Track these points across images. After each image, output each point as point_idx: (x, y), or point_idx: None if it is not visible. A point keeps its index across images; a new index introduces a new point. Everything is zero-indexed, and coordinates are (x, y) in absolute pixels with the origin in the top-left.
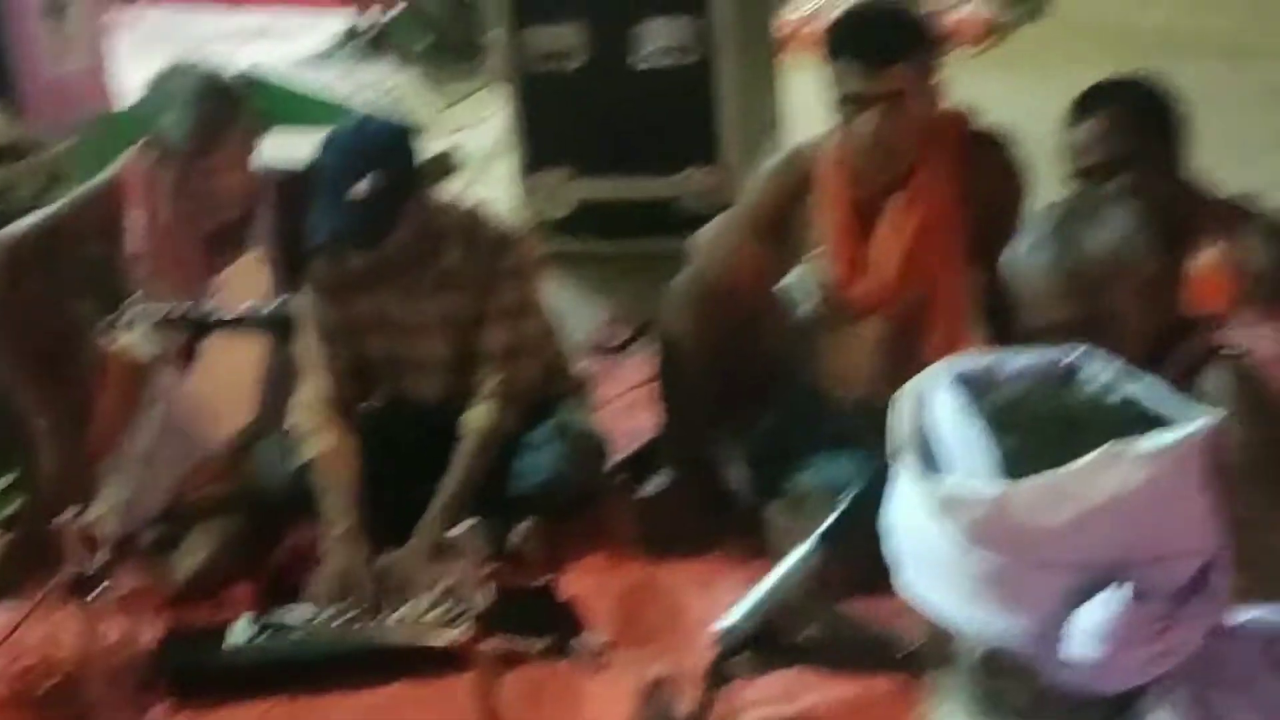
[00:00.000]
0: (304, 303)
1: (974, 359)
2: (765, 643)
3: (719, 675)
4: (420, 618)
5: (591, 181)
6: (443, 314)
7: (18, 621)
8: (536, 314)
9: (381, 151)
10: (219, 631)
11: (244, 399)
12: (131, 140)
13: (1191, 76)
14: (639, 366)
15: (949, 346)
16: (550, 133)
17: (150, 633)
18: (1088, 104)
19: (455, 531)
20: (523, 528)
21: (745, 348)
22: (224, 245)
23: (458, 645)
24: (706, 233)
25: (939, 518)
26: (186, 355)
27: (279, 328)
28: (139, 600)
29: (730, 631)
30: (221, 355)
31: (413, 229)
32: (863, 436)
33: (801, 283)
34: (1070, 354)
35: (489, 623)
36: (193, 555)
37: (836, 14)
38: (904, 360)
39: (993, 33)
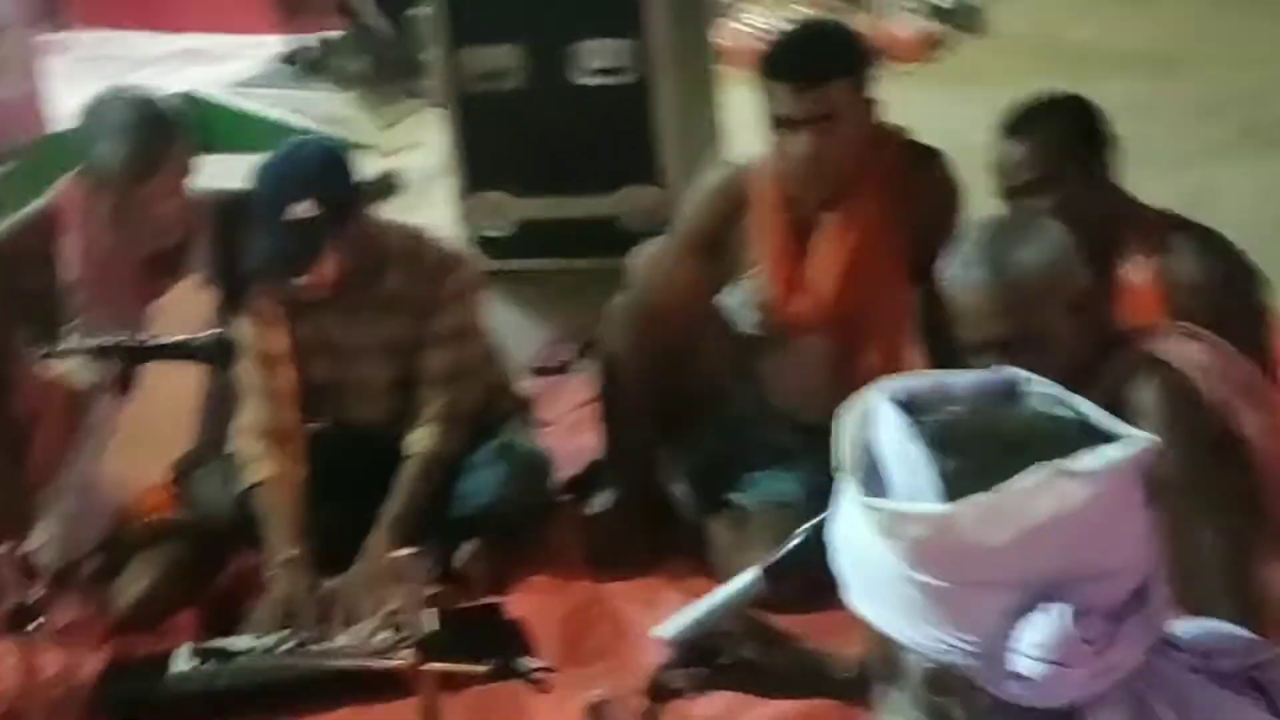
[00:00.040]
0: (244, 328)
1: (915, 379)
2: (702, 660)
3: (661, 688)
4: (365, 642)
5: (532, 201)
6: (384, 337)
7: None
8: (478, 336)
9: (318, 175)
10: (161, 661)
11: (184, 426)
12: (67, 166)
13: (1123, 90)
14: (582, 386)
15: (887, 362)
16: (490, 153)
17: (91, 664)
18: (1018, 123)
19: (399, 555)
20: (467, 549)
21: (685, 366)
22: (161, 271)
23: (403, 669)
24: (645, 253)
25: (882, 538)
26: (124, 383)
27: (217, 355)
28: (79, 631)
29: (669, 641)
30: (160, 382)
31: (352, 252)
32: (804, 452)
33: (740, 301)
34: (1010, 373)
35: (434, 646)
36: (134, 584)
37: (771, 36)
38: (843, 376)
39: (929, 49)
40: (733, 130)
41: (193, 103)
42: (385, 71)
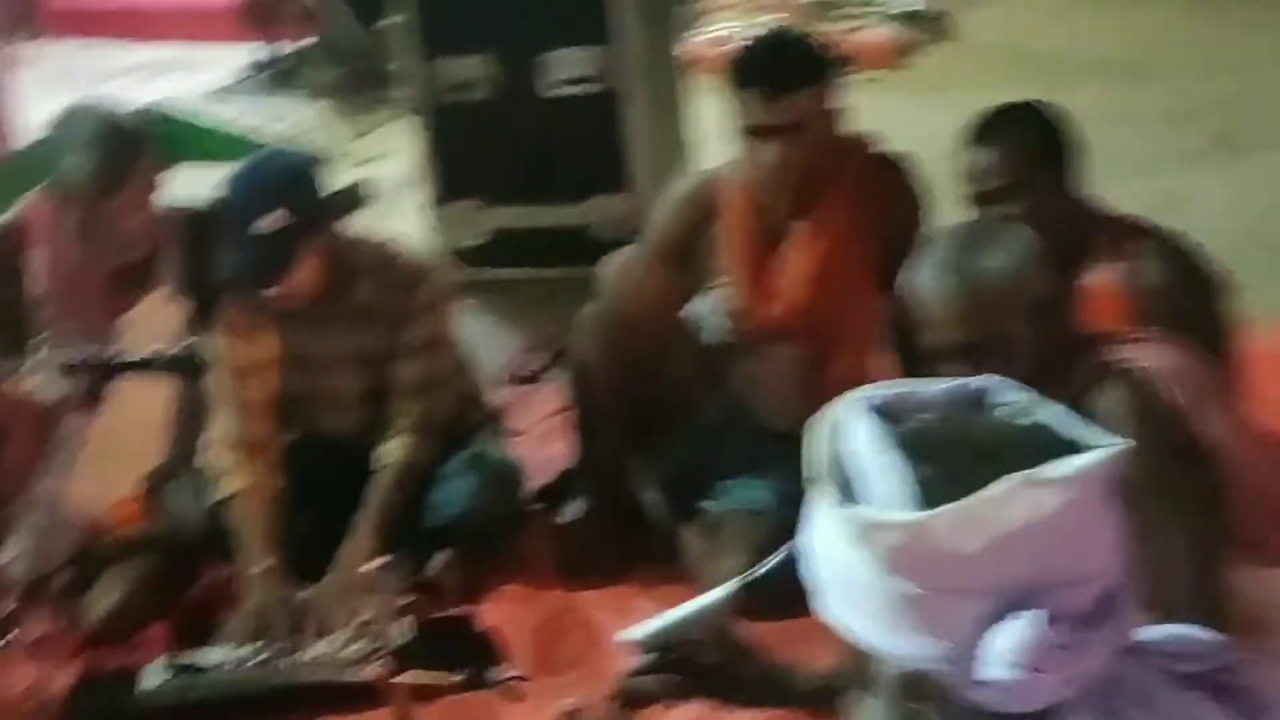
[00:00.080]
0: (214, 340)
1: (888, 388)
2: (671, 666)
3: (630, 693)
4: (338, 654)
5: (502, 210)
6: (355, 348)
7: None
8: (449, 346)
9: (288, 185)
10: (133, 675)
11: (154, 439)
12: (34, 181)
13: (1094, 97)
14: (553, 395)
15: (856, 369)
16: (461, 163)
17: (63, 678)
18: (983, 131)
19: (371, 566)
20: (439, 560)
21: (656, 374)
22: (130, 285)
23: (376, 680)
24: (615, 261)
25: (857, 545)
26: (94, 397)
27: (187, 368)
28: (51, 645)
29: (638, 644)
30: (130, 396)
31: (322, 263)
32: (775, 460)
33: (710, 309)
34: (981, 381)
35: (407, 656)
36: (105, 598)
37: (737, 46)
38: (813, 384)
39: (898, 56)
40: (702, 139)
41: (161, 115)
42: (356, 81)
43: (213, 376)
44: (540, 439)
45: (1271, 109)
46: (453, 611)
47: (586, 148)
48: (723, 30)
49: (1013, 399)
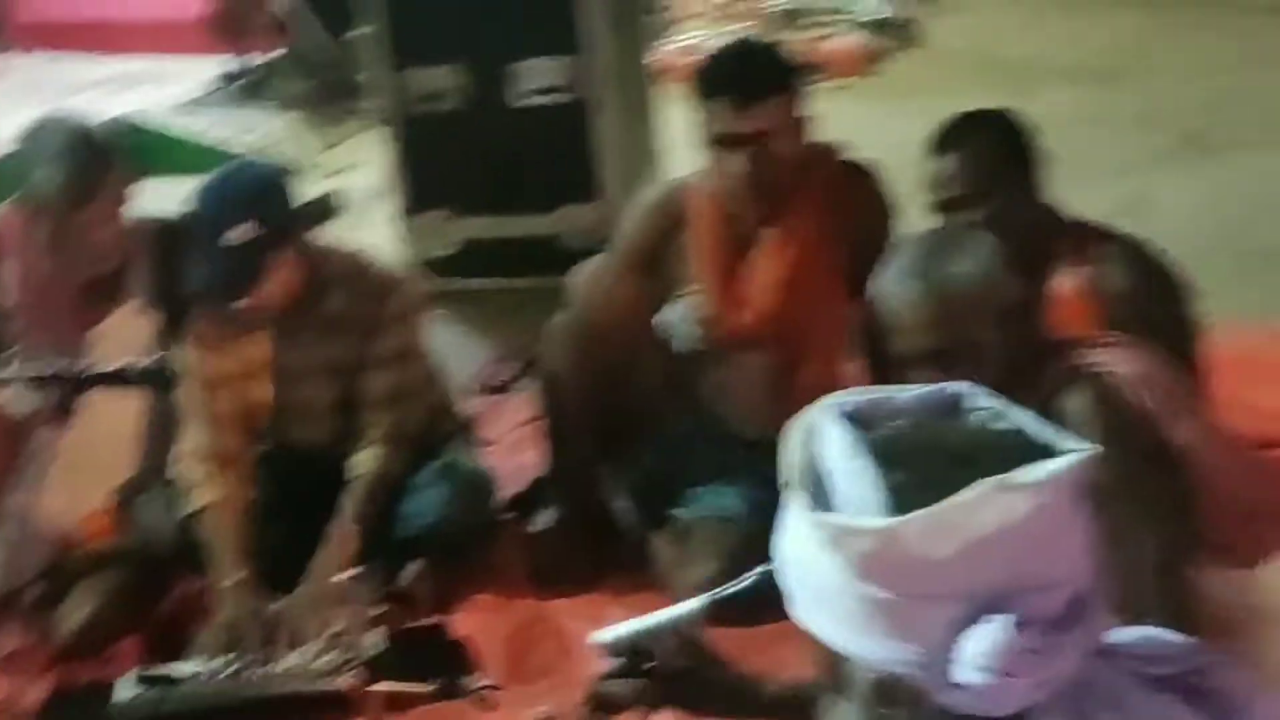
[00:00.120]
0: (185, 352)
1: (859, 394)
2: (642, 674)
3: (601, 699)
4: (310, 665)
5: (472, 221)
6: (327, 359)
7: None
8: (420, 357)
9: (257, 197)
10: (105, 689)
11: (125, 452)
12: (3, 194)
13: (1063, 102)
14: (523, 404)
15: (826, 376)
16: (431, 173)
17: (35, 692)
18: (948, 138)
19: (343, 577)
20: (411, 570)
21: (626, 383)
22: (101, 297)
23: (348, 691)
24: (584, 271)
25: (829, 551)
26: (64, 411)
27: (158, 380)
28: (22, 659)
29: (607, 646)
30: (101, 409)
31: (292, 274)
32: (745, 467)
33: (680, 317)
34: (953, 387)
35: (379, 666)
36: (77, 611)
37: (705, 55)
38: (783, 391)
39: (866, 64)
40: (671, 147)
41: (130, 127)
42: (326, 93)
43: (183, 389)
44: (511, 448)
45: (1239, 112)
46: (425, 621)
47: (556, 157)
48: (692, 39)
49: (986, 404)
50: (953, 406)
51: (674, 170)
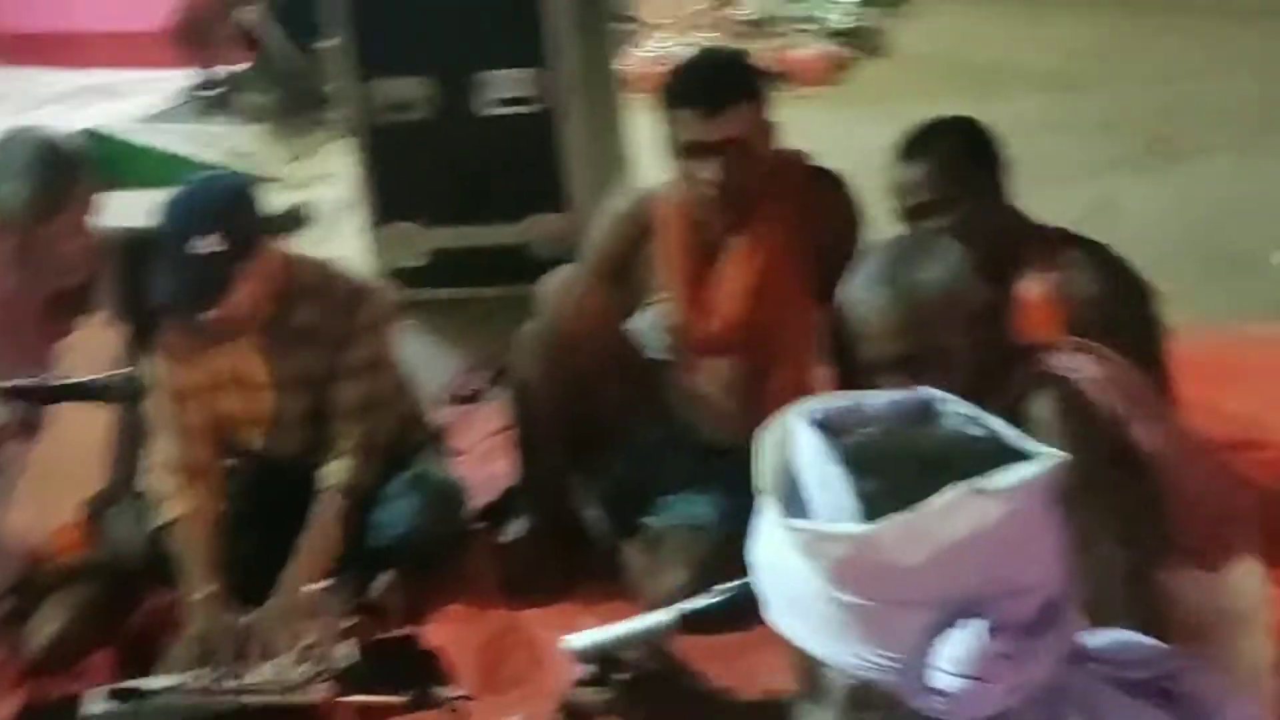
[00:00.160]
0: (153, 364)
1: (831, 400)
2: (613, 682)
3: (574, 707)
4: (282, 677)
5: (441, 231)
6: (296, 370)
7: None
8: (391, 367)
9: (224, 209)
10: (76, 703)
11: (94, 465)
12: None
13: (1028, 108)
14: (494, 414)
15: (795, 383)
16: (400, 184)
17: (5, 707)
18: (914, 146)
19: (314, 588)
20: (383, 580)
21: (597, 391)
22: (67, 310)
23: (321, 703)
24: (554, 280)
25: (804, 558)
26: (32, 424)
27: (126, 393)
28: None
29: (578, 652)
30: (69, 422)
31: (260, 286)
32: (716, 475)
33: (649, 325)
34: (924, 393)
35: (351, 678)
36: (47, 626)
37: (672, 65)
38: (753, 398)
39: (832, 72)
40: (639, 156)
41: (96, 140)
42: (293, 104)
43: (152, 401)
44: (482, 458)
45: (1203, 117)
46: (397, 632)
47: (524, 167)
48: (659, 48)
49: (956, 410)
50: (923, 412)
51: (642, 179)
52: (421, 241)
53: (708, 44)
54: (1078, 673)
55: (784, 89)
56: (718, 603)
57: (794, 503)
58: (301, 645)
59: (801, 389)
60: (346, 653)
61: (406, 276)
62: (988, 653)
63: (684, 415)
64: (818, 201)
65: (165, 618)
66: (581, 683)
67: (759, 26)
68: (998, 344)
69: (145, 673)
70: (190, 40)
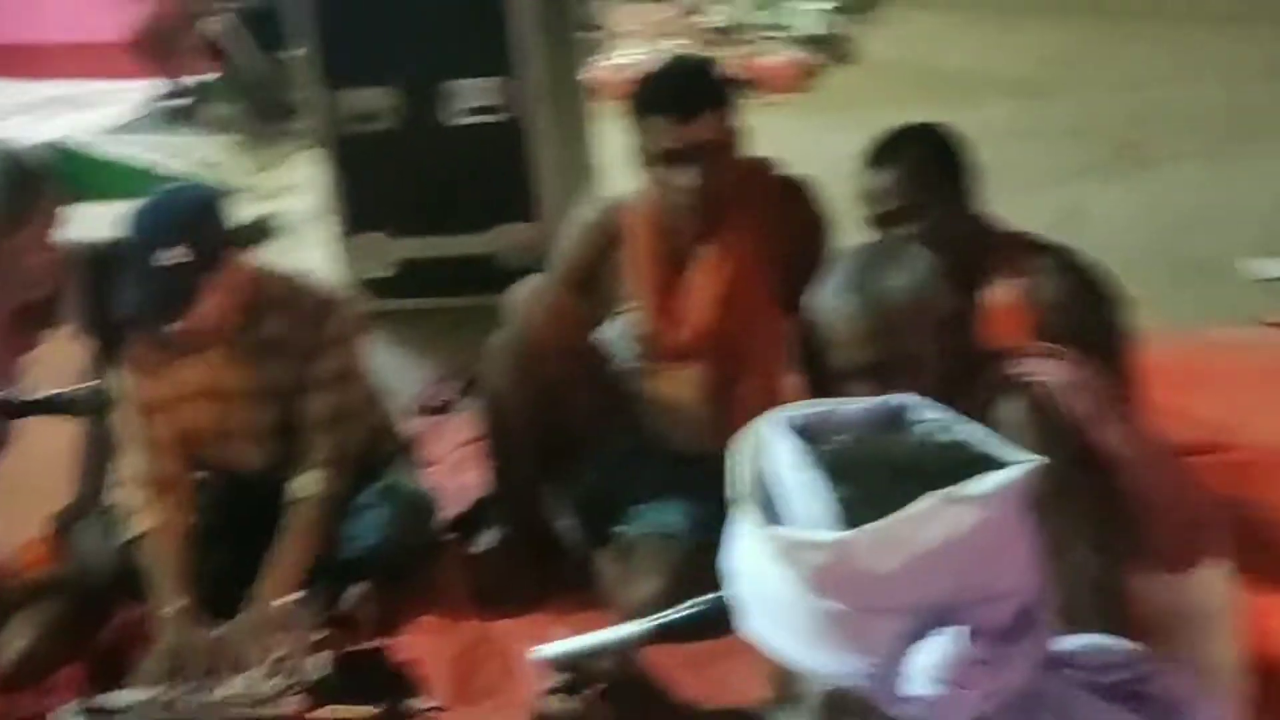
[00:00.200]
0: (121, 377)
1: (806, 408)
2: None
3: (548, 716)
4: (254, 690)
5: (410, 241)
6: (265, 382)
7: None
8: (360, 378)
9: (190, 220)
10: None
11: (62, 479)
12: None
13: (996, 114)
14: (465, 424)
15: (764, 391)
16: (368, 194)
17: None
18: (882, 153)
19: (285, 601)
20: (354, 592)
21: (567, 400)
22: (34, 324)
23: (293, 716)
24: (523, 289)
25: (781, 565)
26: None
27: (93, 407)
28: None
29: (548, 661)
30: (37, 436)
31: (226, 297)
32: (687, 483)
33: (619, 334)
34: (898, 400)
35: (323, 691)
36: (15, 642)
37: (639, 75)
38: (723, 406)
39: (800, 79)
40: (608, 165)
41: (61, 152)
42: (260, 114)
43: (120, 414)
44: (453, 468)
45: (1171, 123)
46: (369, 644)
47: (492, 176)
48: (627, 56)
49: (929, 416)
50: (896, 419)
51: (611, 188)
52: (390, 252)
53: (676, 52)
54: (1052, 678)
55: (753, 96)
56: (690, 615)
57: (768, 510)
58: (273, 658)
59: (771, 397)
60: (318, 665)
61: (375, 287)
62: (964, 659)
63: (654, 424)
64: (785, 209)
65: (135, 632)
66: (552, 691)
67: (727, 34)
68: (966, 350)
69: (115, 688)
70: (154, 50)
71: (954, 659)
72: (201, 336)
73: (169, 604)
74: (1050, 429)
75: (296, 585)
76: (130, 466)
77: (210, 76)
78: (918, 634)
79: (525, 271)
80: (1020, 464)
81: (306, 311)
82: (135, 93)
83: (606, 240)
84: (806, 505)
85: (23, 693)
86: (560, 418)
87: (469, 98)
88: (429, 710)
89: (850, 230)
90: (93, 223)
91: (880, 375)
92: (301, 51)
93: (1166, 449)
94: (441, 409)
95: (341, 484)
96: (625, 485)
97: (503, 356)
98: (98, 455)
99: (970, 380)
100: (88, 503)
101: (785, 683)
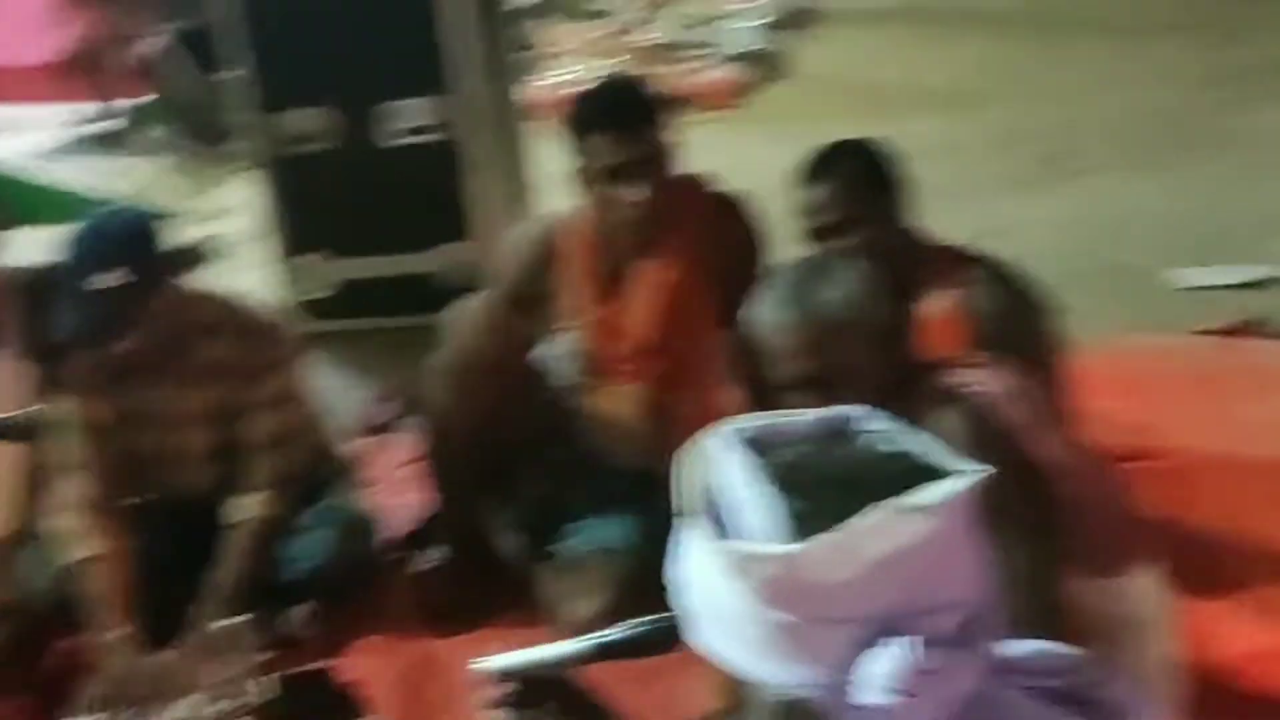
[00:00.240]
0: (60, 402)
1: (752, 421)
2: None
3: None
4: (199, 715)
5: (349, 262)
6: (205, 405)
7: None
8: (300, 400)
9: (126, 244)
10: None
11: (1, 506)
12: None
13: (926, 128)
14: (406, 444)
15: (704, 405)
16: (307, 215)
17: None
18: (816, 168)
19: (228, 624)
20: (298, 613)
21: (509, 418)
22: None
23: None
24: (462, 308)
25: (732, 578)
26: None
27: (32, 433)
28: None
29: (490, 675)
30: None
31: (165, 320)
32: (629, 497)
33: (559, 351)
34: (842, 412)
35: (269, 713)
36: None
37: (576, 94)
38: (664, 421)
39: (735, 95)
40: (543, 182)
41: None
42: (196, 136)
43: (60, 439)
44: (395, 488)
45: (1097, 134)
46: (313, 666)
47: (429, 196)
48: (564, 75)
49: (876, 427)
50: (841, 430)
51: (547, 206)
52: (329, 273)
53: (611, 70)
54: (1001, 685)
55: (688, 113)
56: (633, 635)
57: (717, 523)
58: (216, 682)
59: (710, 411)
60: (263, 688)
61: (315, 308)
62: (913, 668)
63: (594, 440)
64: (720, 225)
65: (77, 660)
66: (497, 704)
67: (661, 52)
68: (903, 361)
69: (58, 716)
70: (85, 72)
71: (904, 668)
72: (140, 360)
73: (111, 630)
74: (986, 438)
75: (239, 608)
76: (70, 492)
77: (145, 99)
78: (868, 644)
79: (464, 291)
80: (966, 474)
81: (246, 334)
82: (69, 116)
83: (544, 258)
84: (758, 518)
85: None
86: (501, 436)
87: (405, 118)
88: None
89: (786, 244)
90: (28, 248)
91: (818, 387)
92: (238, 73)
93: (1097, 456)
94: (382, 429)
95: (283, 506)
96: (566, 501)
97: (443, 376)
98: (38, 481)
99: (907, 391)
100: (28, 529)
101: (735, 694)
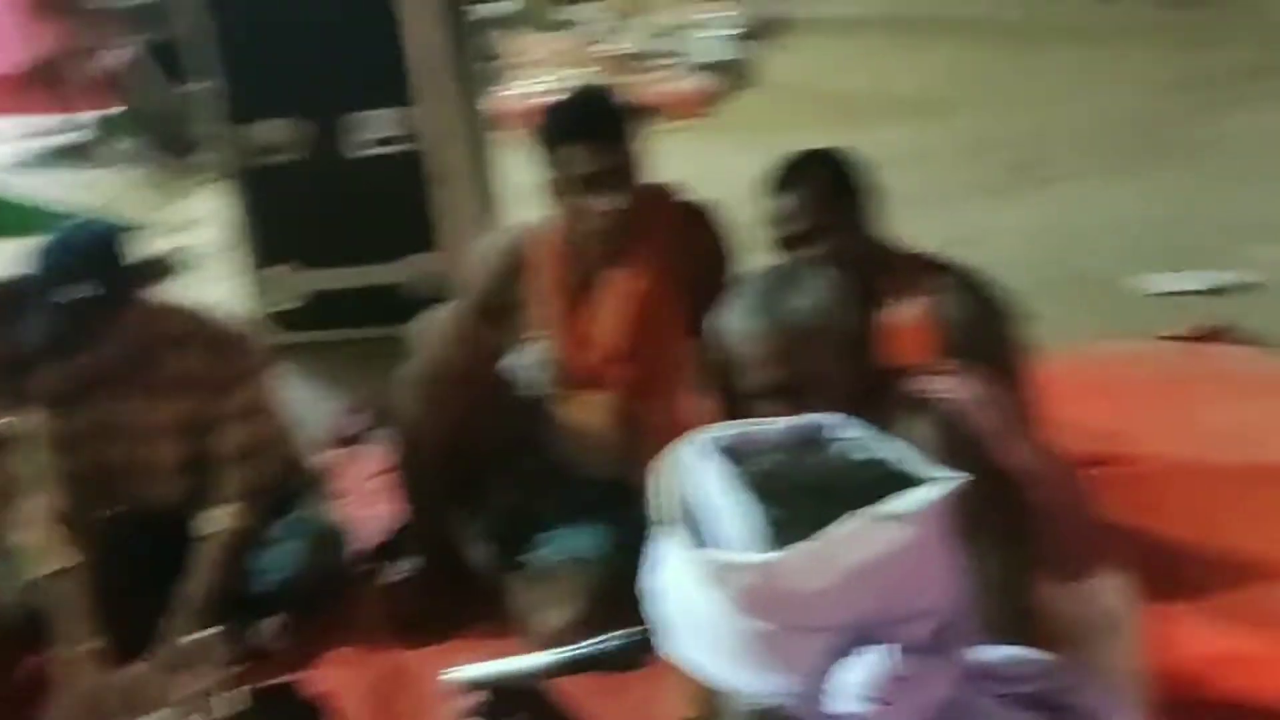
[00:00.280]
0: (28, 414)
1: (726, 429)
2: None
3: None
4: None
5: (318, 273)
6: (175, 418)
7: None
8: (270, 412)
9: (93, 256)
10: None
11: None
12: None
13: (895, 136)
14: (376, 455)
15: (673, 413)
16: (275, 226)
17: None
18: (784, 177)
19: (198, 637)
20: (269, 625)
21: (479, 428)
22: None
23: None
24: (432, 318)
25: (707, 586)
26: None
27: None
28: None
29: (460, 686)
30: None
31: (134, 333)
32: (599, 507)
33: (528, 361)
34: (816, 420)
35: None
36: None
37: (544, 105)
38: (634, 430)
39: (704, 104)
40: (511, 193)
41: None
42: (164, 148)
43: (27, 452)
44: (365, 499)
45: (1066, 141)
46: (284, 678)
47: (397, 207)
48: (531, 85)
49: (849, 435)
50: (813, 438)
51: (515, 216)
52: (298, 284)
53: (579, 80)
54: (975, 691)
55: (656, 122)
56: (606, 649)
57: (695, 532)
58: (187, 695)
59: (680, 420)
60: (233, 701)
61: (284, 319)
62: (889, 676)
63: (565, 449)
64: (688, 234)
65: (44, 675)
66: (466, 716)
67: (629, 62)
68: (870, 368)
69: None
70: (47, 84)
71: (879, 676)
72: (109, 372)
73: (79, 644)
74: (956, 446)
75: (209, 621)
76: (38, 505)
77: (112, 111)
78: (843, 652)
79: (433, 301)
80: (941, 481)
81: (215, 346)
82: (36, 129)
83: (513, 268)
84: (735, 526)
85: None
86: (471, 446)
87: (373, 129)
88: None
89: (755, 253)
90: None
91: (788, 395)
92: (205, 84)
93: (1064, 461)
94: (352, 440)
95: (253, 518)
96: (537, 511)
97: (413, 386)
98: (3, 495)
99: (876, 398)
100: None
101: (709, 703)
